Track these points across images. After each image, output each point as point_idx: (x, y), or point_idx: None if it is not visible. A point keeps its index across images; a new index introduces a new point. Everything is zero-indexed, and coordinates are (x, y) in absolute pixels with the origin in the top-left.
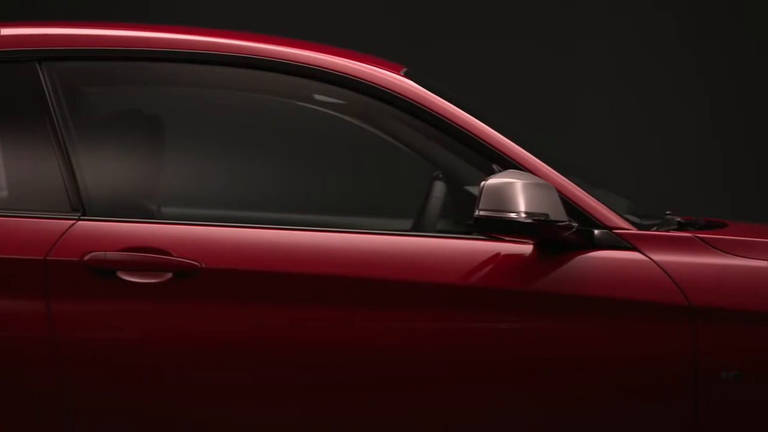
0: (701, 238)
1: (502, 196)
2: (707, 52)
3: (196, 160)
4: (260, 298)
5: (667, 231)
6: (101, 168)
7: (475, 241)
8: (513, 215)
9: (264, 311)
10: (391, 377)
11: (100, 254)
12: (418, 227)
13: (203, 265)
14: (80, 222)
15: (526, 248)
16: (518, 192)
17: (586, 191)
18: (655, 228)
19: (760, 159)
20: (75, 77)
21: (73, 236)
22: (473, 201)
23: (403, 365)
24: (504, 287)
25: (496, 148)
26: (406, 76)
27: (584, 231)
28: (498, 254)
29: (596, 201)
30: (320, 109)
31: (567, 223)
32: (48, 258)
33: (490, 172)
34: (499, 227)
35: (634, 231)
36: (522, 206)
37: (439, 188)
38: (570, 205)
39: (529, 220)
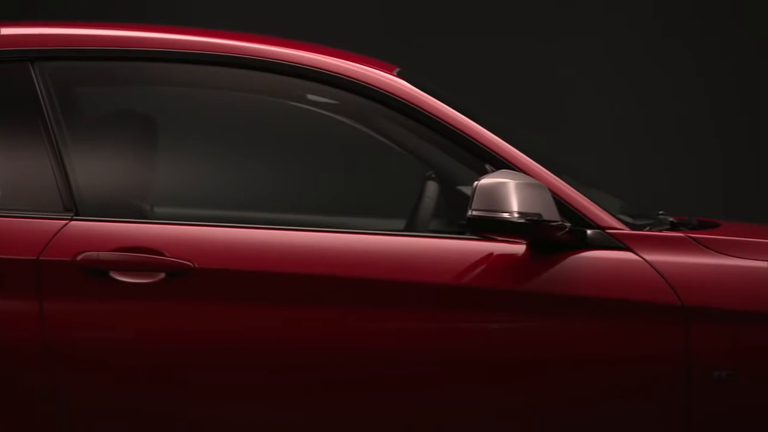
0: (694, 238)
1: (495, 196)
2: (707, 52)
3: (190, 160)
4: (253, 298)
5: (660, 231)
6: (94, 168)
7: (468, 241)
8: (506, 215)
9: (257, 311)
10: (384, 377)
11: (93, 254)
12: (411, 227)
13: (196, 265)
14: (73, 222)
15: (519, 248)
16: (511, 192)
17: (578, 191)
18: (647, 228)
19: (759, 159)
20: (67, 77)
21: (66, 236)
22: (466, 201)
23: (396, 365)
24: (497, 287)
25: (489, 148)
26: (398, 76)
27: (577, 231)
28: (491, 254)
29: (589, 201)
30: (313, 109)
31: (560, 223)
32: (41, 258)
33: (483, 172)
34: (492, 227)
35: (627, 231)
36: (515, 206)
37: (431, 188)
38: (563, 205)
39: (521, 220)
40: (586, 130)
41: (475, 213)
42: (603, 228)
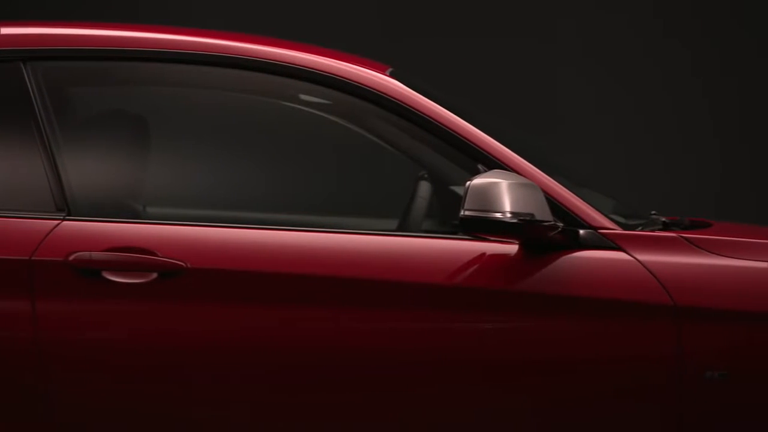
0: (686, 238)
1: (488, 196)
2: (706, 52)
3: (182, 160)
4: (246, 298)
5: (652, 231)
6: (86, 168)
7: (461, 241)
8: (498, 215)
9: (249, 311)
10: (377, 377)
11: (85, 254)
12: (404, 227)
13: (188, 265)
14: (65, 222)
15: (512, 248)
16: (503, 192)
17: (571, 191)
18: (640, 228)
19: (756, 159)
20: (60, 77)
21: (58, 236)
22: (458, 201)
23: (389, 365)
24: (489, 287)
25: (482, 148)
26: (391, 76)
27: (569, 231)
28: (483, 254)
29: (581, 201)
30: (306, 109)
31: (552, 223)
32: (33, 258)
33: (476, 172)
34: (485, 227)
35: (620, 231)
36: (507, 206)
37: (424, 188)
38: (555, 205)
39: (514, 220)
40: (583, 130)
41: (467, 213)
42: (595, 228)
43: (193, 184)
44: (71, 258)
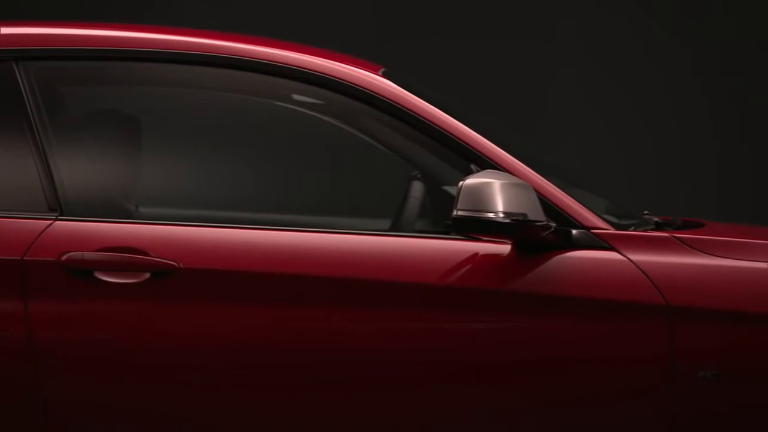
0: (679, 238)
1: (480, 196)
2: (704, 52)
3: (175, 160)
4: (238, 298)
5: (645, 231)
6: (79, 168)
7: (454, 241)
8: (491, 215)
9: (242, 311)
10: (370, 377)
11: (78, 254)
12: (397, 227)
13: (181, 265)
14: (58, 222)
15: (505, 248)
16: (496, 192)
17: (564, 191)
18: (632, 228)
19: (754, 159)
20: (53, 77)
21: (51, 236)
22: (451, 201)
23: (382, 365)
24: (482, 287)
25: (474, 148)
26: (384, 76)
27: (562, 231)
28: (476, 254)
29: (574, 201)
30: (299, 109)
31: (545, 223)
32: (25, 258)
33: (468, 172)
34: (478, 227)
35: (612, 231)
36: (500, 206)
37: (417, 188)
38: (548, 205)
39: (507, 220)
40: (578, 130)
41: (460, 213)
42: (588, 228)
43: (185, 184)
44: (64, 258)
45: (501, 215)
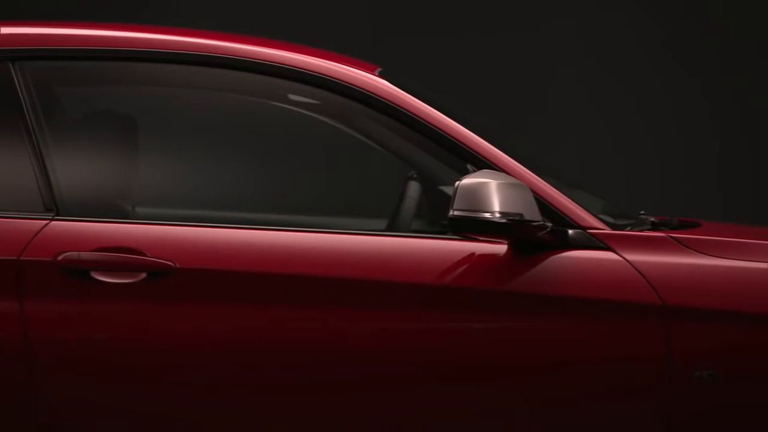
0: (675, 238)
1: (477, 196)
2: (704, 52)
3: (171, 160)
4: (235, 298)
5: (641, 231)
6: (75, 168)
7: (450, 241)
8: (487, 215)
9: (238, 311)
10: (367, 377)
11: (74, 254)
12: (393, 227)
13: (177, 266)
14: (54, 222)
15: (501, 248)
16: (492, 192)
17: (560, 191)
18: (629, 228)
19: (755, 159)
20: (49, 77)
21: (47, 236)
22: (448, 201)
23: (379, 365)
24: (478, 287)
25: (471, 148)
26: (380, 76)
27: (558, 231)
28: (472, 254)
29: (570, 201)
30: (295, 109)
31: (541, 223)
32: (21, 258)
33: (465, 172)
34: (474, 227)
35: (608, 231)
36: (496, 206)
37: (413, 188)
38: (544, 205)
39: (503, 220)
40: (576, 129)
41: (456, 213)
42: (584, 228)
43: (182, 184)
44: (60, 258)
45: (497, 215)
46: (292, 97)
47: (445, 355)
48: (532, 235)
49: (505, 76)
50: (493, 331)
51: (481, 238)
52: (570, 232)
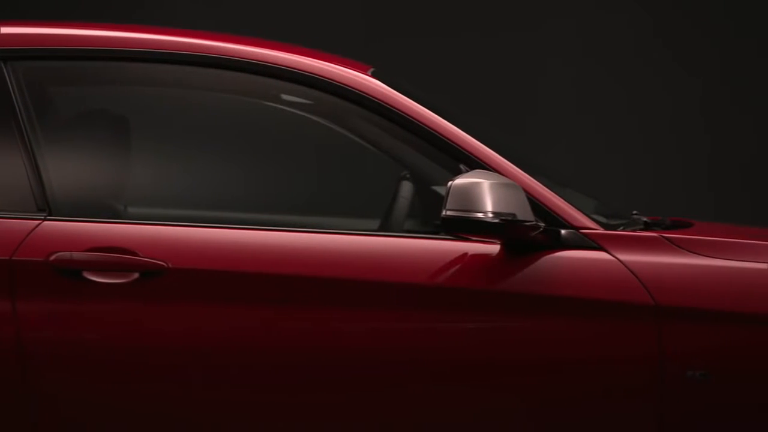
0: (667, 238)
1: (469, 196)
2: (700, 52)
3: (164, 160)
4: (227, 298)
5: (634, 231)
6: (67, 168)
7: (443, 241)
8: (480, 215)
9: (231, 311)
10: (360, 377)
11: (66, 254)
12: (386, 227)
13: (170, 265)
14: (46, 222)
15: (494, 248)
16: (485, 192)
17: (553, 191)
18: (621, 228)
19: (746, 159)
20: (42, 77)
21: (39, 236)
22: (440, 201)
23: (371, 365)
24: (471, 287)
25: (464, 148)
26: (373, 76)
27: (551, 231)
28: (465, 254)
29: (563, 201)
30: (288, 109)
31: (534, 222)
32: (13, 258)
33: (458, 172)
34: (467, 227)
35: (601, 231)
36: (489, 206)
37: (406, 188)
38: (537, 205)
39: (496, 220)
40: (571, 129)
41: (449, 213)
42: (577, 228)
43: (174, 184)
44: (52, 258)
45: (490, 215)
46: (284, 97)
47: (438, 355)
48: (525, 235)
49: (498, 76)
50: (486, 331)
51: (474, 238)
52: (563, 232)
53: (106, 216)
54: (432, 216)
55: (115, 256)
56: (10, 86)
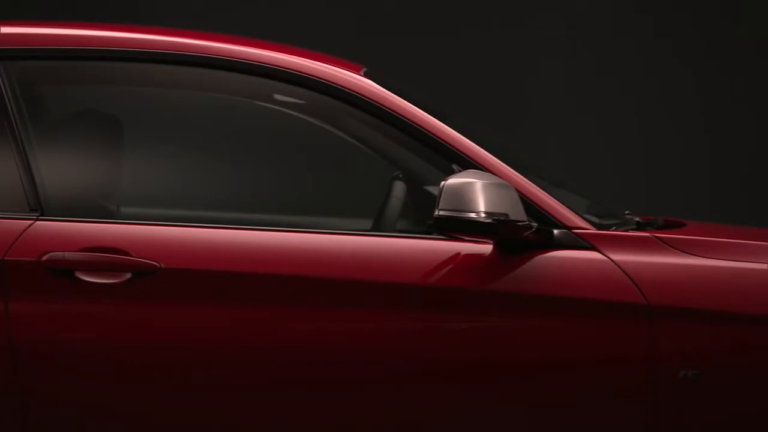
0: (660, 238)
1: (462, 196)
2: (698, 52)
3: (156, 160)
4: (219, 298)
5: (626, 231)
6: (60, 167)
7: (435, 241)
8: (473, 215)
9: (224, 311)
10: (352, 377)
11: (59, 254)
12: (378, 227)
13: (162, 265)
14: (38, 222)
15: (486, 248)
16: (478, 192)
17: (545, 191)
18: (614, 228)
19: (741, 159)
20: (34, 77)
21: (32, 236)
22: (433, 201)
23: (364, 365)
24: (464, 287)
25: (456, 148)
26: (366, 76)
27: (544, 231)
28: (458, 254)
29: (556, 201)
30: (280, 109)
31: (526, 222)
32: (6, 258)
33: (450, 172)
34: (459, 227)
35: (594, 231)
36: (482, 206)
37: (399, 188)
38: (530, 205)
39: (488, 220)
40: (567, 129)
41: (442, 213)
42: (569, 228)
43: (167, 184)
44: (45, 258)
45: (482, 215)
46: (277, 96)
47: (431, 355)
48: (518, 235)
49: (491, 75)
50: (478, 331)
51: (467, 238)
52: (555, 231)
53: (98, 216)
54: (424, 216)
55: (108, 256)
56: (2, 86)
